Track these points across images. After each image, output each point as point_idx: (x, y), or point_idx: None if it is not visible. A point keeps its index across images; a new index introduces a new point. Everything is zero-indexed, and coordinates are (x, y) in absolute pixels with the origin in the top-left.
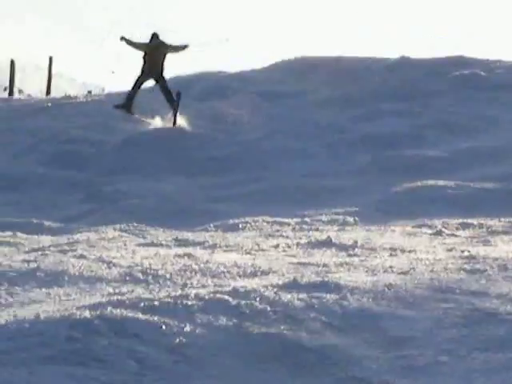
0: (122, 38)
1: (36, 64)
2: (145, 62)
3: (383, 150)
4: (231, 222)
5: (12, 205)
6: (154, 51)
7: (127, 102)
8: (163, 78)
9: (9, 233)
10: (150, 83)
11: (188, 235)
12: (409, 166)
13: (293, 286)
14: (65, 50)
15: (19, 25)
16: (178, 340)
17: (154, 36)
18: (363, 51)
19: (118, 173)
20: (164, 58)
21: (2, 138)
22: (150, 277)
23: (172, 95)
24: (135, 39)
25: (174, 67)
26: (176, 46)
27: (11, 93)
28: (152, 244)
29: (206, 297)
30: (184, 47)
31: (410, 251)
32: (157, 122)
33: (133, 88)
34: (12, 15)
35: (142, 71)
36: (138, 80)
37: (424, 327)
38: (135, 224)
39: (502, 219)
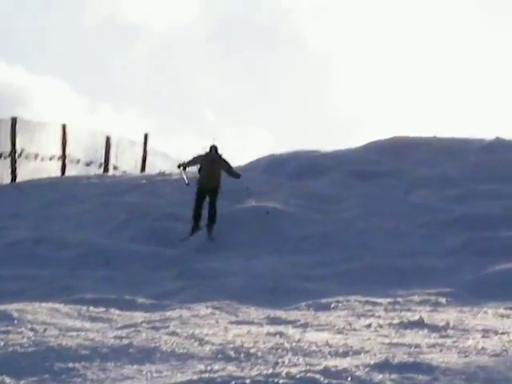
0: (179, 166)
1: (131, 140)
2: (200, 174)
3: (477, 230)
4: (323, 300)
5: (105, 281)
6: (211, 164)
7: (194, 226)
8: (216, 193)
9: (102, 309)
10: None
11: (280, 313)
12: (502, 247)
13: (384, 366)
14: (158, 126)
15: (115, 102)
16: None
17: (213, 148)
18: (457, 131)
19: (211, 250)
20: (220, 174)
21: (97, 214)
22: (242, 355)
23: (215, 216)
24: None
25: (266, 147)
26: (233, 170)
27: (106, 169)
28: (244, 322)
29: (298, 376)
30: (238, 176)
31: (502, 333)
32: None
33: (195, 210)
34: (112, 94)
35: (198, 189)
36: (196, 200)
37: None
38: (227, 302)
39: None
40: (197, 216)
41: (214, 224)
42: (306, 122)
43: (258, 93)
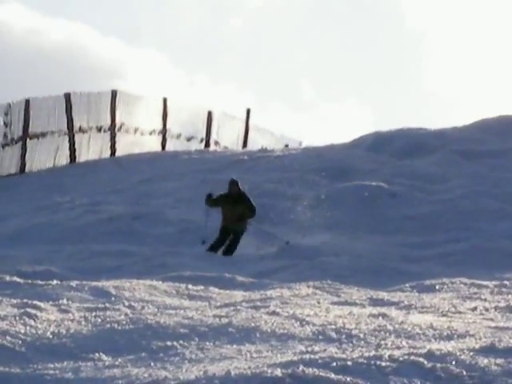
0: (207, 201)
1: (232, 115)
2: (222, 214)
3: None
4: (427, 282)
5: (204, 258)
6: (232, 208)
7: (210, 249)
8: (242, 233)
9: (201, 287)
10: None
11: (383, 295)
12: None
13: (490, 350)
14: (262, 102)
15: (216, 76)
16: None
17: (233, 184)
18: None
19: (313, 229)
20: (243, 213)
21: (197, 190)
22: (344, 336)
23: (232, 251)
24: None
25: (371, 123)
26: (251, 212)
27: (207, 144)
28: (346, 303)
29: (401, 358)
30: (253, 215)
31: None
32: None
33: (215, 242)
34: (209, 66)
35: (222, 226)
36: (220, 235)
37: None
38: (329, 282)
39: None
40: (215, 247)
41: (231, 254)
42: (407, 98)
43: (357, 68)
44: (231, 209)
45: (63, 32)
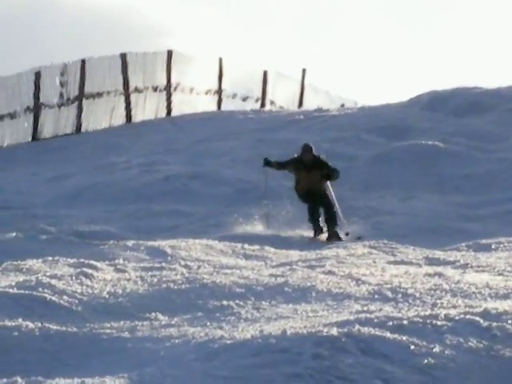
0: (266, 164)
1: (288, 75)
2: (295, 182)
3: None
4: (484, 241)
5: (260, 218)
6: (306, 174)
7: (317, 229)
8: (324, 197)
9: (257, 246)
10: None
11: (439, 254)
12: None
13: None
14: (320, 61)
15: (271, 34)
16: (426, 361)
17: (306, 151)
18: None
19: (370, 188)
20: (321, 180)
21: (253, 150)
22: (399, 295)
23: (334, 218)
24: None
25: (428, 81)
26: (332, 175)
27: (263, 104)
28: (402, 262)
29: (456, 317)
30: (337, 177)
31: None
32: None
33: (310, 211)
34: (266, 24)
35: (302, 197)
36: (309, 208)
37: None
38: (385, 241)
39: None
40: (315, 217)
41: (336, 225)
42: (463, 57)
43: (413, 26)
44: (305, 175)
45: None
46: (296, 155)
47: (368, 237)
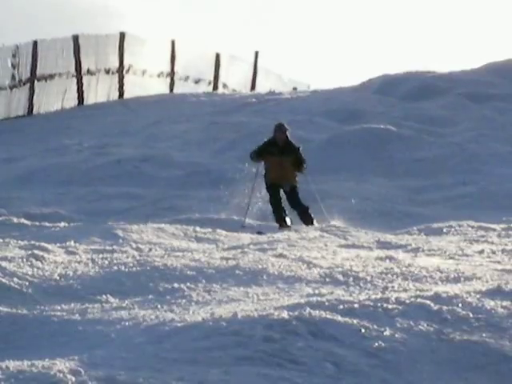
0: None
1: (241, 58)
2: (266, 169)
3: None
4: (435, 225)
5: (213, 201)
6: (279, 159)
7: (279, 220)
8: (294, 189)
9: (209, 229)
10: None
11: (390, 238)
12: None
13: (497, 293)
14: (272, 44)
15: (224, 17)
16: (376, 344)
17: (280, 130)
18: None
19: (321, 172)
20: (293, 169)
21: (205, 133)
22: (351, 279)
23: (303, 205)
24: None
25: (381, 65)
26: (300, 165)
27: (216, 87)
28: (353, 245)
29: (407, 301)
30: (302, 170)
31: None
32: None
33: (273, 201)
34: (219, 6)
35: (267, 184)
36: (271, 200)
37: None
38: (336, 224)
39: None
40: (278, 206)
41: (309, 211)
42: (416, 41)
43: (364, 10)
44: (278, 161)
45: None
46: (266, 140)
47: (319, 221)
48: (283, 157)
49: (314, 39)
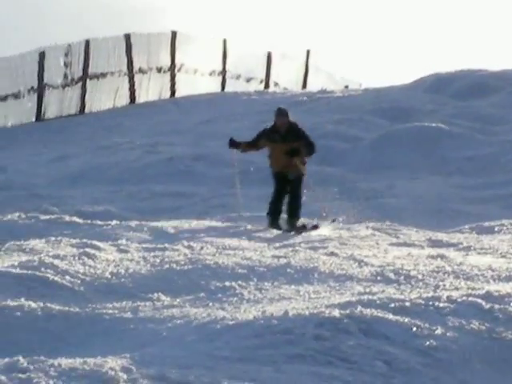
0: (231, 145)
1: (292, 56)
2: (270, 159)
3: None
4: (486, 224)
5: (262, 199)
6: (281, 145)
7: (271, 223)
8: (299, 181)
9: (260, 227)
10: None
11: (442, 236)
12: None
13: None
14: (324, 43)
15: (277, 15)
16: (428, 343)
17: (281, 114)
18: None
19: (373, 170)
20: (300, 156)
21: (256, 132)
22: (402, 277)
23: (297, 211)
24: None
25: (433, 64)
26: (310, 147)
27: (267, 85)
28: (404, 244)
29: (459, 299)
30: (312, 152)
31: None
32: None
33: (272, 203)
34: (270, 4)
35: (273, 173)
36: (275, 194)
37: None
38: (388, 223)
39: None
40: (274, 211)
41: (297, 220)
42: (468, 39)
43: (416, 8)
44: (282, 148)
45: None
46: (266, 128)
47: (371, 218)
48: (287, 143)
49: (365, 37)
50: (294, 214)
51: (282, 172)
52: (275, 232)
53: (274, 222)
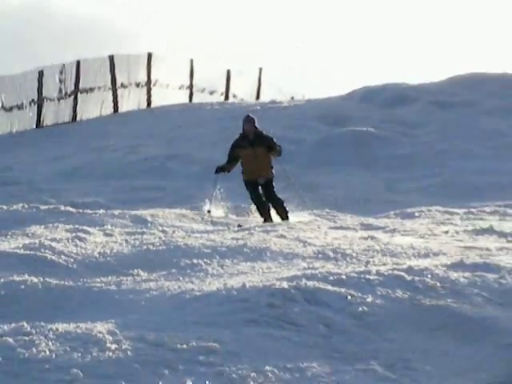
0: (218, 171)
1: (248, 73)
2: (243, 167)
3: None
4: (408, 210)
5: (225, 191)
6: (251, 152)
7: (265, 215)
8: (270, 184)
9: (222, 214)
10: None
11: (372, 221)
12: None
13: (459, 265)
14: (274, 62)
15: (234, 39)
16: (361, 308)
17: (248, 122)
18: None
19: (314, 167)
20: (269, 157)
21: (218, 135)
22: (339, 255)
23: (279, 202)
24: None
25: (363, 78)
26: (275, 150)
27: (227, 97)
28: (341, 227)
29: (386, 273)
30: (279, 153)
31: None
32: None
33: (254, 199)
34: (230, 32)
35: (245, 181)
36: (252, 197)
37: None
38: (327, 210)
39: None
40: (260, 202)
41: (284, 209)
42: (392, 57)
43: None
44: (251, 155)
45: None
46: (236, 139)
47: (313, 207)
48: (255, 147)
49: (309, 57)
50: (278, 205)
51: (251, 179)
52: (234, 218)
53: (265, 213)
